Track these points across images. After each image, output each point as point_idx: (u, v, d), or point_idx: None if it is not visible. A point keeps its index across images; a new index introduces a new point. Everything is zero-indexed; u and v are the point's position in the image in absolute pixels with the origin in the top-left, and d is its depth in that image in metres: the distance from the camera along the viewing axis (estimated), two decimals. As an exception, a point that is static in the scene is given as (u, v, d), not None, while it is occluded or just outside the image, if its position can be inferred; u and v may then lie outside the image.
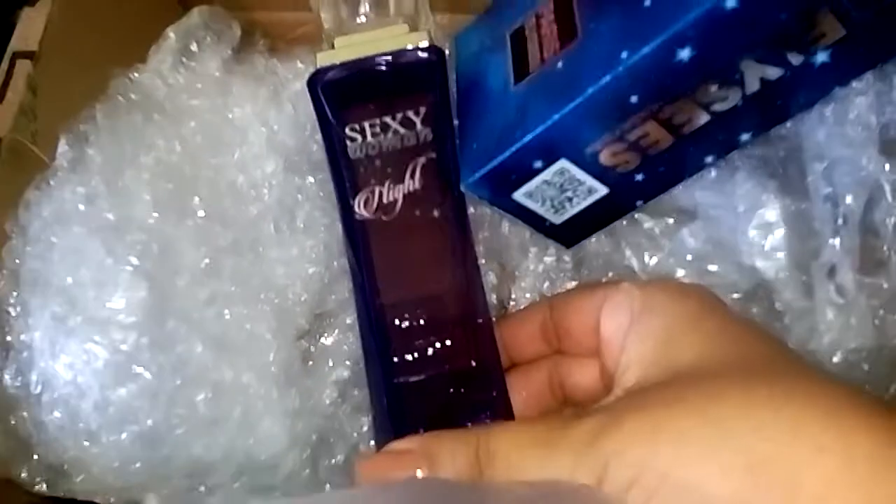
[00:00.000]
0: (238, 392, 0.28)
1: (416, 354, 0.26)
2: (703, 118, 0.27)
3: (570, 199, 0.30)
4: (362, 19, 0.30)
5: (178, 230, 0.30)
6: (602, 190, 0.30)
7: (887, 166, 0.27)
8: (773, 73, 0.26)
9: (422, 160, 0.28)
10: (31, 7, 0.32)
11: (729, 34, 0.24)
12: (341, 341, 0.31)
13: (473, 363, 0.27)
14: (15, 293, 0.27)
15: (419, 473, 0.21)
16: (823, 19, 0.24)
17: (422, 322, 0.27)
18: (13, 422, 0.26)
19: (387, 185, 0.27)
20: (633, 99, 0.26)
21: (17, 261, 0.27)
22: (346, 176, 0.27)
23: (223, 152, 0.33)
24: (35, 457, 0.27)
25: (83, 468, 0.26)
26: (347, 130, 0.27)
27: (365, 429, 0.30)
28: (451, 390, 0.26)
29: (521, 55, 0.31)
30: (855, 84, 0.27)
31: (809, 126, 0.28)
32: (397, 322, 0.27)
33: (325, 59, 0.28)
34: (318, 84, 0.27)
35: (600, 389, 0.25)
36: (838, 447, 0.17)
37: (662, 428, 0.19)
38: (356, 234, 0.27)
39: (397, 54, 0.27)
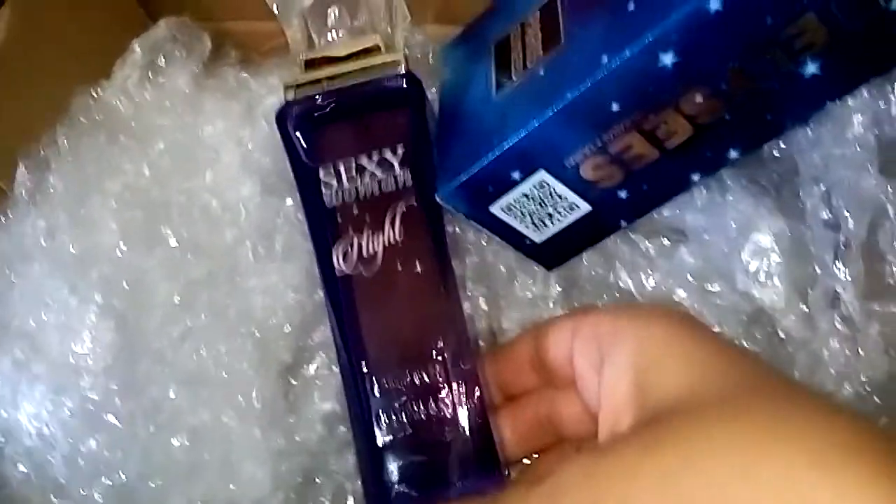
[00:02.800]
0: (217, 434, 0.27)
1: (401, 417, 0.26)
2: (688, 131, 0.26)
3: (550, 216, 0.29)
4: (332, 34, 0.29)
5: (149, 262, 0.29)
6: (584, 207, 0.29)
7: (889, 187, 0.27)
8: (761, 83, 0.25)
9: (401, 207, 0.27)
10: None
11: (713, 38, 0.24)
12: (328, 375, 0.30)
13: (461, 427, 0.26)
14: (-28, 338, 0.25)
15: None
16: (811, 26, 0.24)
17: (407, 384, 0.26)
18: (-26, 476, 0.25)
19: (366, 235, 0.26)
20: (615, 107, 0.26)
21: (-26, 302, 0.26)
22: (322, 226, 0.27)
23: (195, 174, 0.32)
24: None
25: (51, 526, 0.25)
26: (322, 175, 0.26)
27: (354, 467, 0.29)
28: (438, 451, 0.25)
29: (505, 64, 0.30)
30: (851, 102, 0.26)
31: (805, 146, 0.28)
32: (382, 385, 0.26)
33: (292, 90, 0.27)
34: (288, 120, 0.27)
35: (588, 422, 0.24)
36: (863, 495, 0.15)
37: (638, 475, 0.18)
38: (337, 293, 0.27)
39: (372, 85, 0.26)
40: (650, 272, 0.31)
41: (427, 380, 0.26)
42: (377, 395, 0.26)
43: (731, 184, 0.30)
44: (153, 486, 0.25)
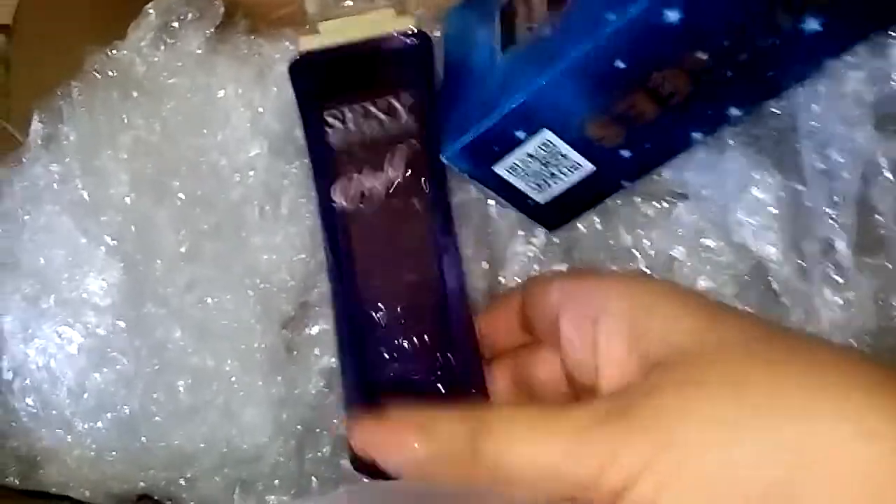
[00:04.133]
0: (220, 379, 0.28)
1: (393, 352, 0.26)
2: (690, 89, 0.27)
3: (553, 176, 0.30)
4: (348, 2, 0.30)
5: (157, 212, 0.30)
6: (587, 166, 0.30)
7: (883, 142, 0.27)
8: (763, 41, 0.26)
9: (403, 148, 0.28)
10: None
11: None
12: (328, 331, 0.31)
13: (452, 361, 0.27)
14: (-16, 275, 0.27)
15: (415, 445, 0.21)
16: None
17: (400, 319, 0.27)
18: (-17, 410, 0.26)
19: (366, 173, 0.27)
20: (620, 64, 0.26)
21: (-14, 241, 0.27)
22: (324, 163, 0.28)
23: (205, 134, 0.33)
24: (7, 447, 0.26)
25: (57, 458, 0.26)
26: (327, 116, 0.27)
27: (353, 419, 0.30)
28: (428, 388, 0.26)
29: (509, 27, 0.31)
30: (848, 58, 0.27)
31: (802, 103, 0.29)
32: (374, 317, 0.27)
33: (307, 43, 0.28)
34: (300, 69, 0.28)
35: (566, 388, 0.25)
36: (888, 430, 0.16)
37: (681, 412, 0.18)
38: (333, 225, 0.27)
39: (383, 40, 0.27)
40: (649, 231, 0.32)
41: (421, 312, 0.26)
42: (370, 325, 0.26)
43: (730, 142, 0.31)
44: (155, 420, 0.26)
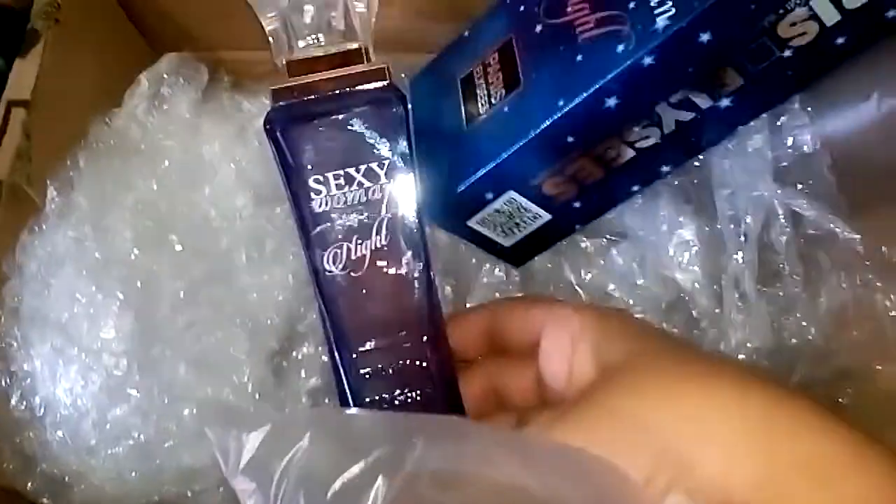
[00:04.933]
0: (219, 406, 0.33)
1: (385, 402, 0.29)
2: (630, 154, 0.33)
3: (517, 225, 0.36)
4: (312, 37, 0.29)
5: (158, 263, 0.35)
6: (545, 216, 0.35)
7: (780, 191, 0.33)
8: (686, 115, 0.31)
9: (388, 215, 0.28)
10: (22, 59, 0.36)
11: (648, 84, 0.30)
12: (313, 356, 0.36)
13: (436, 402, 0.30)
14: (16, 328, 0.32)
15: None
16: (725, 72, 0.30)
17: (390, 371, 0.29)
18: (20, 441, 0.31)
19: (354, 241, 0.28)
20: (570, 139, 0.32)
21: (17, 299, 0.32)
22: (313, 231, 0.28)
23: (196, 188, 0.37)
24: (39, 471, 0.31)
25: (84, 480, 0.31)
26: (311, 182, 0.28)
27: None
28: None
29: (471, 99, 0.36)
30: (752, 123, 0.32)
31: (716, 158, 0.34)
32: (367, 371, 0.29)
33: (279, 95, 0.28)
34: (276, 130, 0.27)
35: (534, 396, 0.30)
36: (735, 406, 0.22)
37: (599, 412, 0.24)
38: (326, 290, 0.29)
39: (359, 95, 0.27)
40: (589, 268, 0.37)
41: (409, 363, 0.29)
42: (363, 380, 0.29)
43: (661, 190, 0.36)
44: (167, 445, 0.31)
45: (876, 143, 0.33)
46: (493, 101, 0.35)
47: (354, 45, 0.28)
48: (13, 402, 0.31)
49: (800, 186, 0.34)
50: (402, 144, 0.28)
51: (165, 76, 0.39)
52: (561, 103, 0.31)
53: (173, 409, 0.31)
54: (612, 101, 0.30)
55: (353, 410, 0.27)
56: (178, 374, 0.32)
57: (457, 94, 0.37)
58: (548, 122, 0.31)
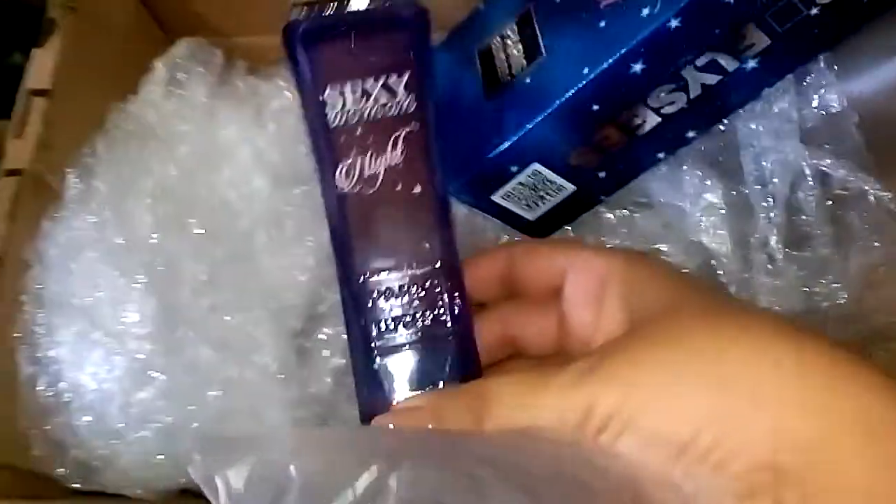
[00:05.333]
0: (244, 388, 0.32)
1: (394, 326, 0.28)
2: (655, 120, 0.32)
3: (542, 198, 0.35)
4: None
5: (179, 247, 0.34)
6: (570, 188, 0.35)
7: (807, 153, 0.32)
8: (712, 79, 0.30)
9: (405, 131, 0.27)
10: (40, 48, 0.36)
11: (673, 48, 0.29)
12: (335, 335, 0.35)
13: (451, 338, 0.28)
14: (41, 315, 0.32)
15: (429, 427, 0.24)
16: (751, 32, 0.29)
17: (402, 297, 0.28)
18: (49, 427, 0.31)
19: (368, 156, 0.27)
20: (595, 107, 0.31)
21: (39, 286, 0.32)
22: (326, 146, 0.27)
23: (214, 172, 0.37)
24: (70, 456, 0.31)
25: (112, 464, 0.31)
26: (327, 96, 0.27)
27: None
28: (428, 360, 0.28)
29: (491, 72, 0.36)
30: (778, 84, 0.31)
31: (742, 121, 0.33)
32: (377, 296, 0.28)
33: (300, 8, 0.27)
34: (293, 40, 0.26)
35: (553, 344, 0.28)
36: (792, 362, 0.20)
37: (639, 362, 0.22)
38: (337, 208, 0.28)
39: (379, 9, 0.27)
40: (613, 237, 0.36)
41: (421, 292, 0.27)
42: (372, 305, 0.28)
43: (685, 155, 0.35)
44: (193, 427, 0.30)
45: (903, 101, 0.32)
46: (513, 72, 0.34)
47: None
48: (40, 388, 0.31)
49: (827, 146, 0.33)
50: (421, 59, 0.27)
51: (180, 61, 0.39)
52: (586, 71, 0.30)
53: (197, 392, 0.31)
54: (637, 67, 0.29)
55: (336, 430, 0.27)
56: (201, 356, 0.32)
57: (475, 67, 0.36)
58: (572, 92, 0.30)
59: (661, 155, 0.34)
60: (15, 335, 0.32)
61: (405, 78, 0.27)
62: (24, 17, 0.48)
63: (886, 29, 0.31)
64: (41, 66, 0.36)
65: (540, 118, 0.31)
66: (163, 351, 0.31)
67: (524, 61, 0.34)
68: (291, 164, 0.38)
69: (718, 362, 0.21)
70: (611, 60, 0.29)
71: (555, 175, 0.34)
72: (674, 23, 0.28)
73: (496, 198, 0.35)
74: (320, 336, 0.36)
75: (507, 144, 0.33)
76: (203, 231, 0.35)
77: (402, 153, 0.27)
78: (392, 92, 0.27)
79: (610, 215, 0.37)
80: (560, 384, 0.23)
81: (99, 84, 0.39)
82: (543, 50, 0.33)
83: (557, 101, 0.31)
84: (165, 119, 0.38)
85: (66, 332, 0.31)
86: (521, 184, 0.34)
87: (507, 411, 0.23)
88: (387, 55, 0.27)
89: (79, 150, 0.35)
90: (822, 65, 0.32)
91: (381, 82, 0.27)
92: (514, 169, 0.33)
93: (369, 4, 0.27)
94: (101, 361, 0.31)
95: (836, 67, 0.32)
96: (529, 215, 0.36)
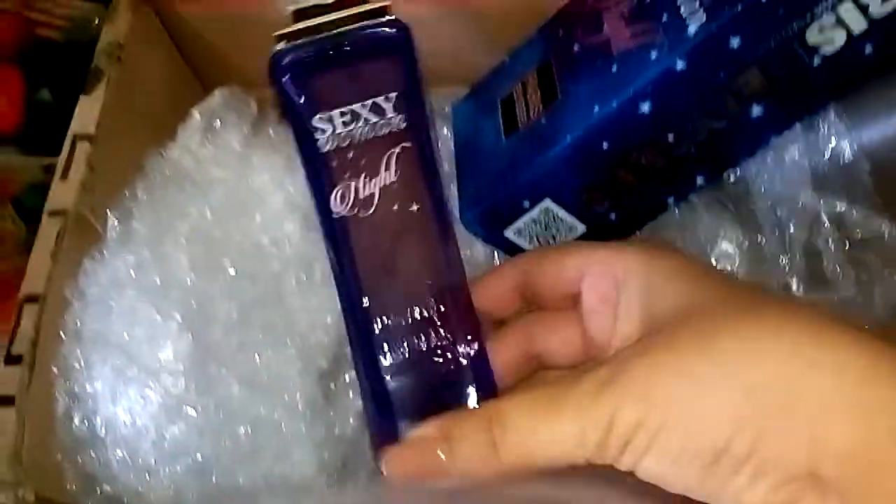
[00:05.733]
0: (272, 426, 0.33)
1: (402, 352, 0.27)
2: (663, 162, 0.33)
3: (553, 237, 0.36)
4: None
5: (213, 287, 0.35)
6: (581, 228, 0.35)
7: (822, 200, 0.32)
8: (718, 124, 0.31)
9: (397, 150, 0.26)
10: (87, 95, 0.38)
11: (679, 90, 0.30)
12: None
13: (462, 359, 0.27)
14: (78, 350, 0.32)
15: (441, 456, 0.23)
16: (755, 78, 0.30)
17: (407, 320, 0.27)
18: (81, 460, 0.31)
19: (362, 178, 0.26)
20: (605, 145, 0.32)
21: (79, 322, 0.33)
22: (318, 171, 0.27)
23: (247, 216, 0.38)
24: (101, 492, 0.31)
25: (143, 499, 0.31)
26: (316, 122, 0.26)
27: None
28: (439, 382, 0.27)
29: (511, 115, 0.37)
30: (787, 133, 0.32)
31: (753, 169, 0.34)
32: (382, 321, 0.27)
33: (282, 39, 0.26)
34: (280, 71, 0.26)
35: (579, 353, 0.27)
36: (829, 361, 0.19)
37: (661, 369, 0.20)
38: (335, 233, 0.27)
39: (362, 31, 0.26)
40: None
41: (426, 313, 0.27)
42: (378, 330, 0.27)
43: (698, 203, 0.36)
44: (223, 464, 0.31)
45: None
46: (531, 115, 0.35)
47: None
48: (76, 422, 0.32)
49: (842, 194, 0.33)
50: (409, 76, 0.26)
51: (216, 110, 0.40)
52: (596, 109, 0.31)
53: (229, 428, 0.31)
54: (645, 107, 0.30)
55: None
56: (232, 393, 0.32)
57: (497, 114, 0.38)
58: (583, 129, 0.32)
59: (670, 199, 0.35)
60: (53, 370, 0.32)
61: (393, 97, 0.26)
62: (53, 55, 0.50)
63: (894, 80, 0.31)
64: (87, 112, 0.37)
65: (552, 153, 0.32)
66: (195, 388, 0.31)
67: (541, 104, 0.35)
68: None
69: (747, 365, 0.19)
70: (620, 100, 0.30)
71: (566, 213, 0.35)
72: (680, 64, 0.29)
73: (508, 233, 0.36)
74: (346, 377, 0.36)
75: (519, 178, 0.34)
76: (235, 272, 0.36)
77: (395, 172, 0.27)
78: (381, 112, 0.26)
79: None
80: (577, 399, 0.21)
81: (140, 131, 0.41)
82: (559, 93, 0.34)
83: (569, 137, 0.32)
84: (201, 165, 0.39)
85: (102, 367, 0.31)
86: (533, 220, 0.35)
87: (523, 435, 0.22)
88: (373, 77, 0.26)
89: (120, 194, 0.36)
90: (832, 115, 0.33)
91: (369, 104, 0.26)
92: (526, 204, 0.34)
93: (351, 28, 0.26)
94: (135, 397, 0.31)
95: (845, 117, 0.33)
96: None
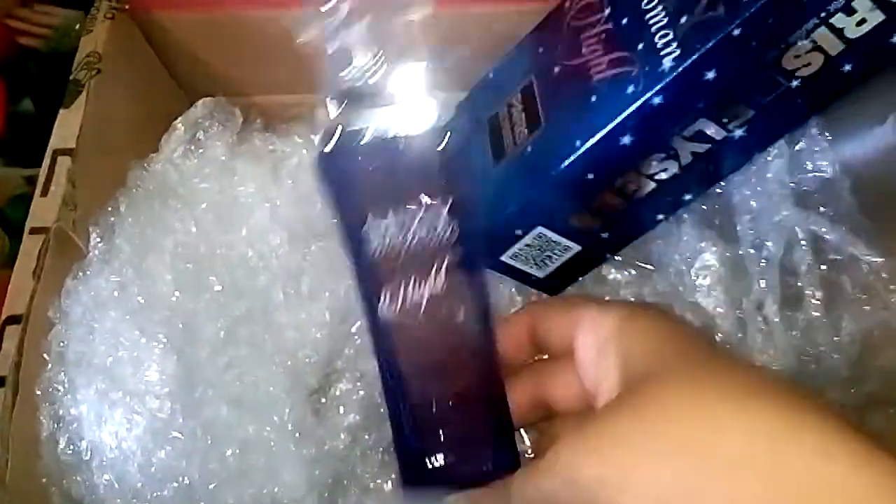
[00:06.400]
0: (261, 446, 0.32)
1: (446, 452, 0.27)
2: (650, 186, 0.32)
3: (549, 257, 0.35)
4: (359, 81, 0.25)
5: (198, 304, 0.34)
6: (575, 247, 0.35)
7: (801, 216, 0.32)
8: (701, 147, 0.31)
9: (447, 259, 0.26)
10: (66, 109, 0.36)
11: (659, 122, 0.29)
12: (350, 391, 0.35)
13: (493, 446, 0.28)
14: (62, 373, 0.31)
15: None
16: (735, 106, 0.30)
17: (444, 413, 0.27)
18: (67, 485, 0.30)
19: (412, 284, 0.26)
20: (590, 176, 0.32)
21: (62, 344, 0.31)
22: (368, 275, 0.26)
23: (233, 229, 0.37)
24: (87, 515, 0.31)
25: (131, 523, 0.30)
26: (368, 224, 0.25)
27: (377, 468, 0.33)
28: (475, 470, 0.27)
29: (498, 139, 0.36)
30: (772, 149, 0.32)
31: (736, 185, 0.34)
32: (421, 412, 0.27)
33: (330, 137, 0.25)
34: (329, 167, 0.25)
35: (580, 400, 0.27)
36: (741, 426, 0.20)
37: (618, 435, 0.22)
38: (381, 337, 0.27)
39: (414, 136, 0.25)
40: (613, 296, 0.36)
41: (463, 401, 0.27)
42: (417, 421, 0.27)
43: (684, 217, 0.35)
44: (211, 487, 0.30)
45: (895, 166, 0.32)
46: (517, 140, 0.35)
47: (404, 82, 0.26)
48: (61, 445, 0.31)
49: (821, 210, 0.33)
50: (462, 183, 0.26)
51: (200, 121, 0.39)
52: (578, 143, 0.31)
53: (216, 450, 0.31)
54: (626, 139, 0.30)
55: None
56: (220, 414, 0.31)
57: (484, 134, 0.37)
58: (567, 162, 0.31)
59: (660, 217, 0.34)
60: (37, 393, 0.31)
61: (447, 206, 0.25)
62: (35, 65, 0.48)
63: (876, 96, 0.31)
64: (67, 126, 0.36)
65: (538, 187, 0.32)
66: (182, 410, 0.30)
67: (526, 130, 0.34)
68: (307, 220, 0.38)
69: (690, 430, 0.20)
70: (600, 134, 0.30)
71: (559, 237, 0.34)
72: (656, 100, 0.28)
73: (506, 258, 0.35)
74: (336, 392, 0.35)
75: (509, 210, 0.33)
76: (221, 288, 0.35)
77: (444, 281, 0.26)
78: (433, 220, 0.25)
79: (616, 276, 0.37)
80: (546, 465, 0.23)
81: (122, 143, 0.39)
82: (542, 120, 0.34)
83: (553, 172, 0.31)
84: (185, 177, 0.38)
85: (87, 390, 0.30)
86: (527, 245, 0.35)
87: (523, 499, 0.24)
88: (426, 182, 0.25)
89: (102, 209, 0.35)
90: (813, 131, 0.33)
91: (421, 211, 0.25)
92: (518, 232, 0.34)
93: (399, 124, 0.25)
94: (121, 421, 0.30)
95: (826, 134, 0.33)
96: (539, 273, 0.36)
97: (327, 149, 0.25)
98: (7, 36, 0.48)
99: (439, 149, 0.25)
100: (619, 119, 0.29)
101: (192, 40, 0.43)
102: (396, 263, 0.26)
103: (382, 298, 0.26)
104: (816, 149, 0.33)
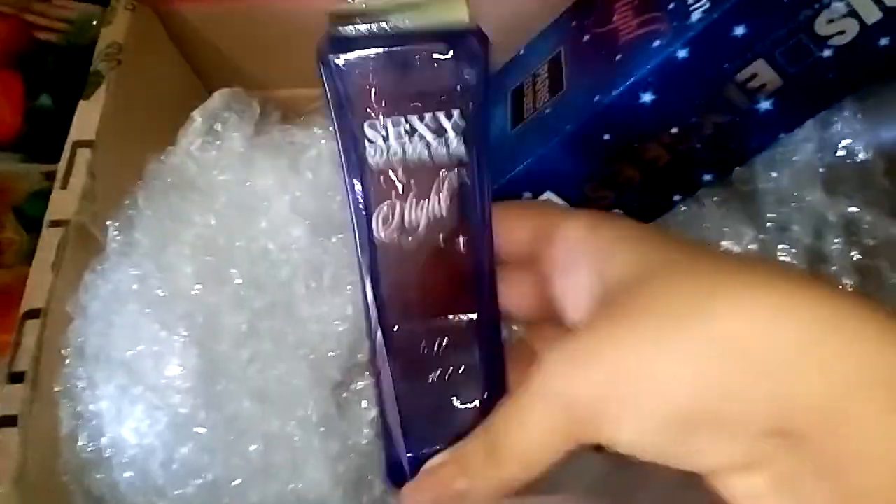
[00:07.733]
0: (284, 441, 0.30)
1: (425, 376, 0.24)
2: (668, 157, 0.30)
3: None
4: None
5: (219, 298, 0.32)
6: None
7: (831, 201, 0.30)
8: (724, 118, 0.29)
9: (452, 179, 0.23)
10: (86, 101, 0.35)
11: (682, 80, 0.28)
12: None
13: (485, 393, 0.25)
14: (81, 368, 0.29)
15: (455, 481, 0.22)
16: (762, 70, 0.27)
17: (435, 347, 0.24)
18: (89, 483, 0.29)
19: (410, 202, 0.23)
20: (606, 136, 0.29)
21: (81, 339, 0.30)
22: (362, 187, 0.23)
23: (253, 221, 0.35)
24: (109, 513, 0.29)
25: (153, 521, 0.29)
26: (367, 129, 0.22)
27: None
28: (457, 406, 0.25)
29: (518, 107, 0.34)
30: (799, 131, 0.30)
31: (762, 167, 0.31)
32: (408, 345, 0.24)
33: (337, 19, 0.21)
34: (329, 60, 0.21)
35: (539, 309, 0.25)
36: (787, 316, 0.17)
37: (619, 341, 0.19)
38: (371, 257, 0.23)
39: (435, 34, 0.21)
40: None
41: (456, 336, 0.24)
42: (403, 352, 0.24)
43: (704, 200, 0.33)
44: (235, 484, 0.28)
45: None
46: (537, 105, 0.33)
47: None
48: (81, 443, 0.29)
49: (853, 195, 0.31)
50: (477, 94, 0.22)
51: (218, 112, 0.37)
52: (597, 98, 0.29)
53: (239, 446, 0.29)
54: (647, 97, 0.28)
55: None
56: (242, 408, 0.30)
57: (505, 104, 0.35)
58: (584, 118, 0.29)
59: (677, 197, 0.32)
60: (56, 389, 0.29)
61: (456, 116, 0.22)
62: (53, 58, 0.47)
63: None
64: (86, 118, 0.35)
65: (552, 143, 0.30)
66: (204, 405, 0.29)
67: (548, 95, 0.32)
68: (328, 212, 0.36)
69: (705, 325, 0.18)
70: (621, 89, 0.28)
71: (568, 207, 0.32)
72: (682, 53, 0.27)
73: None
74: (358, 386, 0.33)
75: (520, 168, 0.31)
76: (242, 281, 0.33)
77: (447, 204, 0.23)
78: (440, 131, 0.22)
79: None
80: (539, 387, 0.20)
81: (141, 135, 0.38)
82: (565, 83, 0.32)
83: (569, 128, 0.29)
84: (204, 170, 0.36)
85: (107, 386, 0.29)
86: None
87: (512, 439, 0.21)
88: (438, 89, 0.22)
89: (121, 201, 0.33)
90: (846, 113, 0.31)
91: (428, 119, 0.22)
92: (527, 195, 0.32)
93: (422, 26, 0.21)
94: (142, 416, 0.28)
95: (860, 116, 0.31)
96: None
97: (331, 32, 0.21)
98: (24, 30, 0.46)
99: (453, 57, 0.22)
100: (642, 73, 0.27)
101: (213, 32, 0.41)
102: (394, 177, 0.23)
103: (376, 214, 0.23)
104: (849, 131, 0.31)
